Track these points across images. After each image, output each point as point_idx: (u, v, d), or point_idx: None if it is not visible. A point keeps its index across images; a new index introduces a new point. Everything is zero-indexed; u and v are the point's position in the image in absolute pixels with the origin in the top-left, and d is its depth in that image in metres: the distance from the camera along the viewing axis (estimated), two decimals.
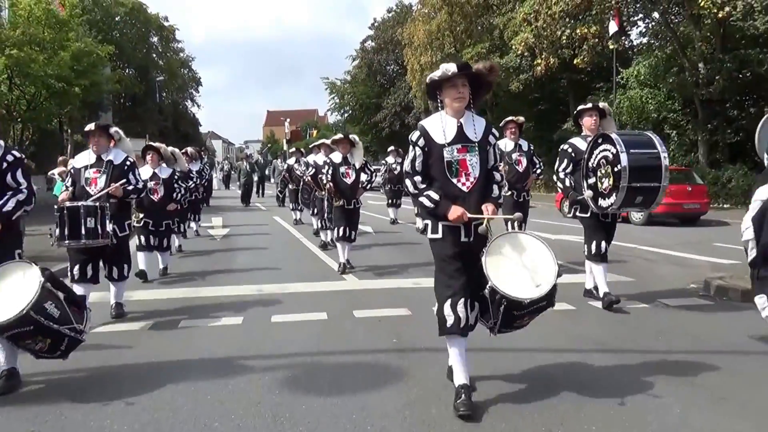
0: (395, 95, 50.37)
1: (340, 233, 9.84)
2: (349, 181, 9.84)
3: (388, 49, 53.91)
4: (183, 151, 13.70)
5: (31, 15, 24.00)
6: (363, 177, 10.03)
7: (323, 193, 11.44)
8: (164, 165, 9.97)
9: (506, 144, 9.80)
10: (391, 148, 18.73)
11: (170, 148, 11.68)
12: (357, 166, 9.93)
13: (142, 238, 9.51)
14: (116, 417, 4.24)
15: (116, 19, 50.08)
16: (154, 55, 56.45)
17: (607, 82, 28.94)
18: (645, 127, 27.58)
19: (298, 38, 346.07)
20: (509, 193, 9.99)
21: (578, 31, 26.88)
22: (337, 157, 10.10)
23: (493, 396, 4.46)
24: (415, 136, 4.46)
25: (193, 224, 14.89)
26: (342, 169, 9.85)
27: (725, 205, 22.79)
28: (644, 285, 8.34)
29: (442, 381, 4.76)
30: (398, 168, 16.94)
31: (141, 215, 9.38)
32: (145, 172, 9.22)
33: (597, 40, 27.25)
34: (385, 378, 4.93)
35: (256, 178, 29.30)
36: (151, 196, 9.40)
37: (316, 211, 13.94)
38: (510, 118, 10.06)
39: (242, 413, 4.25)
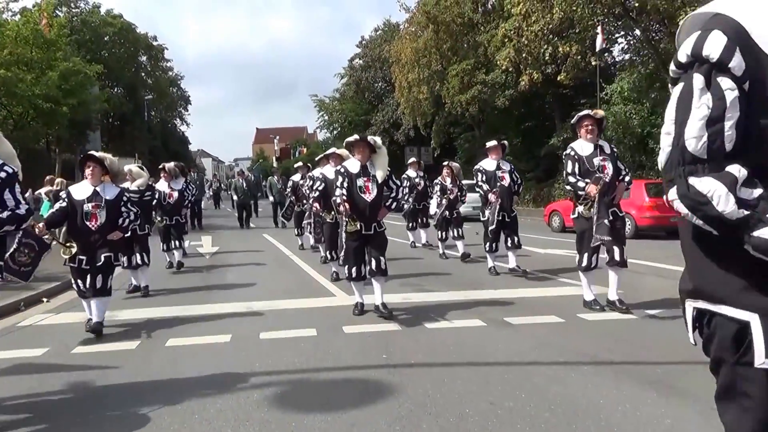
0: (384, 112, 50.33)
1: (353, 273, 7.67)
2: (368, 197, 7.59)
3: (375, 67, 54.01)
4: (160, 166, 12.72)
5: (18, 35, 23.94)
6: (392, 194, 7.88)
7: (331, 216, 9.71)
8: (110, 182, 7.53)
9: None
10: (412, 159, 16.15)
11: (129, 166, 10.36)
12: (379, 179, 7.67)
13: (79, 283, 7.14)
14: None
15: (105, 38, 50.06)
16: (143, 74, 56.43)
17: (591, 98, 29.06)
18: (630, 141, 27.76)
19: (292, 56, 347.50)
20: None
21: (560, 49, 27.10)
22: (353, 165, 7.76)
23: (483, 410, 4.40)
24: None
25: (176, 254, 12.58)
26: (360, 182, 7.61)
27: None
28: (633, 297, 8.30)
29: (432, 396, 4.71)
30: (422, 183, 14.87)
31: (74, 250, 7.00)
32: (82, 190, 7.29)
33: (580, 57, 27.47)
34: (376, 394, 4.86)
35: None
36: (88, 223, 7.08)
37: (323, 238, 11.13)
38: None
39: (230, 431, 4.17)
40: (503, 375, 5.20)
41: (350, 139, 7.95)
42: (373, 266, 7.62)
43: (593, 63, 27.02)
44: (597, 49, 25.65)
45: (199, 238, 18.84)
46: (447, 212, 13.02)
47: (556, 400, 4.57)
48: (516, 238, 10.60)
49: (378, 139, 7.87)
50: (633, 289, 9.06)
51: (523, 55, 28.24)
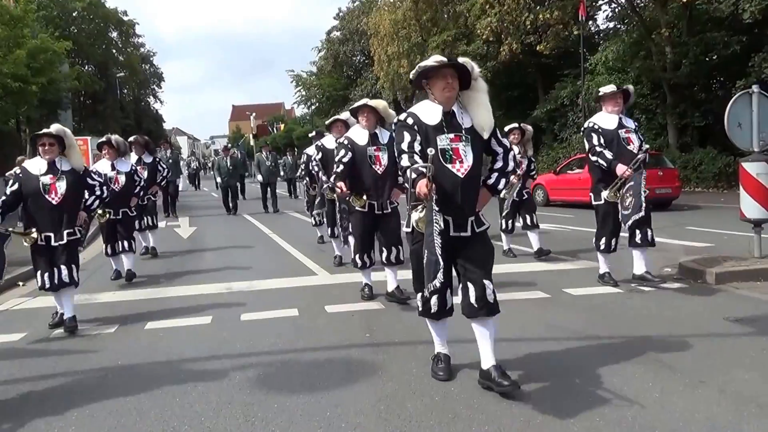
0: (362, 86, 50.19)
1: (430, 307, 4.52)
2: (460, 170, 4.29)
3: (354, 40, 53.80)
4: (104, 138, 9.69)
5: None
6: (497, 165, 4.63)
7: (363, 202, 6.98)
8: None
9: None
10: None
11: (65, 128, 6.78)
12: (484, 134, 4.44)
13: None
14: (80, 423, 4.14)
15: (73, 14, 49.44)
16: (114, 51, 55.96)
17: (575, 68, 29.13)
18: None
19: (272, 30, 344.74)
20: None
21: (541, 16, 27.06)
22: (428, 112, 4.46)
23: (470, 387, 4.43)
24: None
25: (125, 259, 9.31)
26: (443, 142, 4.32)
27: (697, 189, 23.09)
28: (618, 270, 8.36)
29: (416, 375, 4.74)
30: None
31: None
32: None
33: (561, 26, 27.47)
34: (359, 374, 4.88)
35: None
36: None
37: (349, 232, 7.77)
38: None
39: (212, 415, 4.17)
40: None
41: (428, 62, 4.44)
42: (473, 299, 4.35)
43: (575, 32, 27.02)
44: (580, 18, 25.63)
45: (176, 218, 18.68)
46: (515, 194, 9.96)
47: (543, 376, 4.61)
48: (650, 232, 7.43)
49: (476, 66, 4.52)
50: (618, 261, 9.13)
51: (505, 24, 28.19)
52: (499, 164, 4.61)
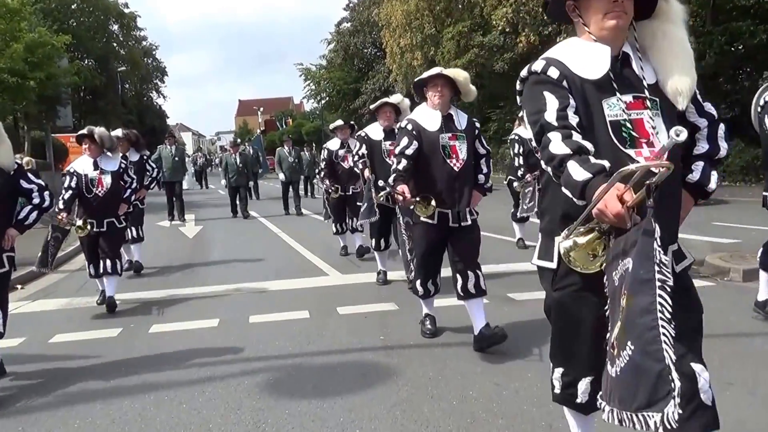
0: (374, 79, 50.04)
1: (580, 397, 2.88)
2: (649, 159, 2.32)
3: (365, 32, 53.70)
4: (84, 130, 7.70)
5: None
6: (701, 148, 2.75)
7: (430, 211, 5.27)
8: None
9: None
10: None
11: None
12: (679, 104, 2.56)
13: None
14: (83, 431, 4.17)
15: (72, 6, 49.63)
16: (115, 45, 56.05)
17: None
18: None
19: (280, 21, 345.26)
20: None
21: None
22: (586, 59, 2.54)
23: (487, 392, 4.43)
24: None
25: (109, 281, 7.62)
26: (616, 110, 2.47)
27: (723, 183, 22.95)
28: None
29: (433, 378, 4.74)
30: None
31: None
32: None
33: None
34: (373, 377, 4.88)
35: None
36: None
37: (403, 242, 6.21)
38: None
39: (220, 421, 4.19)
40: (508, 354, 5.21)
41: None
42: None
43: None
44: None
45: (183, 221, 18.55)
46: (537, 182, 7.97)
47: None
48: None
49: None
50: None
51: (521, 14, 28.14)
52: (703, 147, 2.75)
